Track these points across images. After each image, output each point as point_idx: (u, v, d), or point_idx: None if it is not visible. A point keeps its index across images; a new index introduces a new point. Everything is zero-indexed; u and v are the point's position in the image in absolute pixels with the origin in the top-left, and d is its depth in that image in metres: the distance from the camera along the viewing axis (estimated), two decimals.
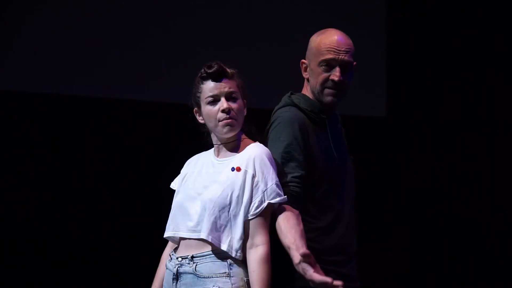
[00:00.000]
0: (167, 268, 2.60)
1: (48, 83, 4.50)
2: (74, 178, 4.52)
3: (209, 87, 2.57)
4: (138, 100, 4.66)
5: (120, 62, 4.60)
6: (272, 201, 2.49)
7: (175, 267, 2.54)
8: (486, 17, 5.11)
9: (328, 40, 2.72)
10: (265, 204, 2.49)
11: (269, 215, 2.52)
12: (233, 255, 2.48)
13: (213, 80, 2.57)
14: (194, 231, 2.53)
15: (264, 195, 2.50)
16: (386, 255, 5.01)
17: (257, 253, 2.46)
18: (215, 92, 2.56)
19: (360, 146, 3.92)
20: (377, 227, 4.99)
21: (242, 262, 2.49)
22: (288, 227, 2.47)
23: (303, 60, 2.81)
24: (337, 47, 2.70)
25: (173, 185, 2.75)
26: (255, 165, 2.52)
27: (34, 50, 4.46)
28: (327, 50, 2.70)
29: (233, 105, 2.56)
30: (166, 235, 2.64)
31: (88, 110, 4.58)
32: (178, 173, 2.77)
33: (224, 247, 2.47)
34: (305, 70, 2.79)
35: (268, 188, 2.50)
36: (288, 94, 2.78)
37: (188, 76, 4.56)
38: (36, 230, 4.41)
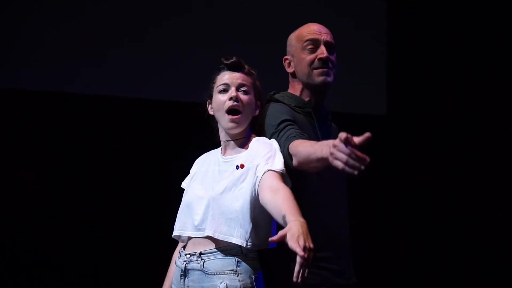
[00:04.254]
0: (176, 265, 2.60)
1: (48, 81, 4.49)
2: (74, 177, 4.51)
3: (223, 77, 2.63)
4: (138, 98, 4.66)
5: (121, 60, 4.59)
6: (272, 168, 2.44)
7: (183, 263, 2.54)
8: (486, 17, 5.12)
9: (308, 28, 2.80)
10: (265, 169, 2.44)
11: (278, 177, 2.44)
12: (244, 245, 2.45)
13: (229, 71, 2.63)
14: (199, 229, 2.53)
15: (265, 166, 2.45)
16: (386, 254, 5.00)
17: (280, 191, 2.33)
18: (227, 81, 2.61)
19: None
20: (377, 226, 4.99)
21: (250, 259, 2.49)
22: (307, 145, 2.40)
23: (285, 57, 2.84)
24: (318, 31, 2.77)
25: (183, 185, 2.76)
26: (257, 154, 2.51)
27: (35, 49, 4.46)
28: (309, 33, 2.77)
29: (242, 97, 2.59)
30: (173, 234, 2.65)
31: (88, 108, 4.58)
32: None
33: (234, 240, 2.46)
34: (289, 65, 2.82)
35: (268, 163, 2.46)
36: (271, 93, 2.80)
37: (188, 75, 4.59)
38: (35, 229, 4.40)
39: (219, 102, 2.60)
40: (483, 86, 5.13)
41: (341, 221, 2.75)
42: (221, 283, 2.44)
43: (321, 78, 2.74)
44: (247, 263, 2.48)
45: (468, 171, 5.10)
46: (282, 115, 2.63)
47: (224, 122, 2.59)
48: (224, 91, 2.61)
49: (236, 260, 2.47)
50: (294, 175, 2.52)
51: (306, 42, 2.75)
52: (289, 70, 2.82)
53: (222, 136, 2.65)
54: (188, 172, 2.78)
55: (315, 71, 2.74)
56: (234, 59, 2.63)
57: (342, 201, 2.79)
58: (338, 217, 2.74)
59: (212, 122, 2.71)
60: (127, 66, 4.59)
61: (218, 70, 2.66)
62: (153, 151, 4.62)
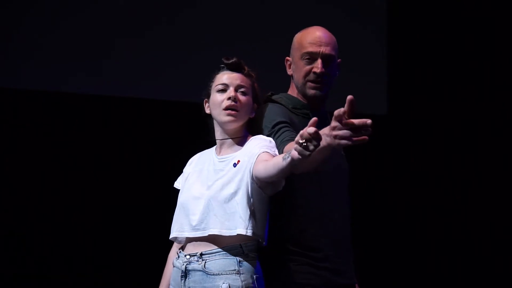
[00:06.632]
0: (174, 266, 2.60)
1: (49, 80, 4.48)
2: (72, 176, 4.49)
3: (222, 76, 2.66)
4: (137, 98, 4.66)
5: (119, 60, 4.59)
6: (267, 150, 2.49)
7: (183, 264, 2.54)
8: (488, 14, 5.10)
9: (311, 35, 2.80)
10: (260, 151, 2.48)
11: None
12: (244, 232, 2.46)
13: (228, 71, 2.66)
14: (197, 229, 2.53)
15: (260, 150, 2.50)
16: (386, 254, 5.00)
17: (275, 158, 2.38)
18: (226, 81, 2.64)
19: (361, 144, 3.91)
20: (377, 226, 4.98)
21: (251, 259, 2.50)
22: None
23: (287, 58, 2.87)
24: (319, 40, 2.77)
25: (176, 185, 2.76)
26: (253, 147, 2.53)
27: (31, 49, 4.44)
28: (309, 43, 2.77)
29: (240, 97, 2.62)
30: (171, 236, 2.64)
31: (87, 108, 4.57)
32: (179, 171, 2.77)
33: (238, 231, 2.46)
34: (289, 67, 2.85)
35: (263, 148, 2.50)
36: (269, 93, 2.82)
37: (188, 75, 4.58)
38: (35, 229, 4.39)
39: (217, 101, 2.62)
40: (485, 85, 5.11)
41: (342, 221, 2.76)
42: (223, 283, 2.45)
43: (312, 92, 2.77)
44: (248, 263, 2.49)
45: (469, 169, 5.09)
46: (277, 116, 2.65)
47: (221, 117, 2.61)
48: (223, 90, 2.63)
49: (238, 260, 2.48)
50: (295, 176, 2.50)
51: (304, 53, 2.77)
52: (289, 72, 2.86)
53: (218, 135, 2.66)
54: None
55: (309, 84, 2.77)
56: (234, 59, 2.66)
57: (343, 201, 2.80)
58: (340, 217, 2.74)
59: (208, 121, 2.72)
60: (126, 66, 4.58)
61: (218, 70, 2.68)
62: (152, 151, 4.61)
